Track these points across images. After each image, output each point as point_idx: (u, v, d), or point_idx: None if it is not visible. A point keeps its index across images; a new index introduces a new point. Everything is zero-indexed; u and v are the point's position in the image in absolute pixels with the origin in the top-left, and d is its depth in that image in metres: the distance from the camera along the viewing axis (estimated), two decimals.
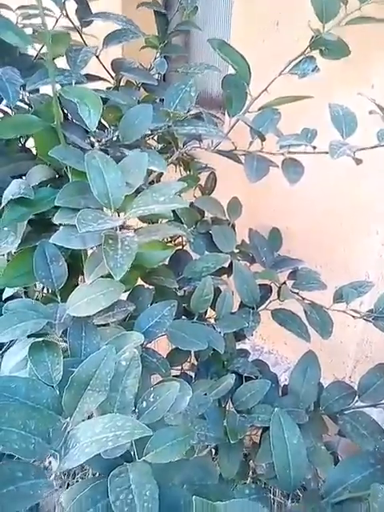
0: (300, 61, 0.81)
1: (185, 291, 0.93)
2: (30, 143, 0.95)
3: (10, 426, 0.37)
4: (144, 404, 0.52)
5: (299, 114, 0.86)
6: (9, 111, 0.90)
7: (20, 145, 0.94)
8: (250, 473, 1.02)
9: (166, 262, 0.90)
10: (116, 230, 0.53)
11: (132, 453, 0.50)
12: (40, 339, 0.49)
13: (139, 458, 0.50)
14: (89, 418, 0.47)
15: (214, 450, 1.10)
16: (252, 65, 0.82)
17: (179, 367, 0.97)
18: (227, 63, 0.82)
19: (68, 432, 0.43)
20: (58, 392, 0.46)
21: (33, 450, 0.37)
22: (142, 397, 0.52)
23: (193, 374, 0.96)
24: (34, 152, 0.88)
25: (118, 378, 0.50)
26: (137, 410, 0.52)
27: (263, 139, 0.76)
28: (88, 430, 0.38)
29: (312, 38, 0.77)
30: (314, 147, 0.72)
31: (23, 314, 0.50)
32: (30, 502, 0.35)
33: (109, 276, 0.57)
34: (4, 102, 0.80)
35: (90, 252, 0.62)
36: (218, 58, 1.36)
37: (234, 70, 0.82)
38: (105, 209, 0.52)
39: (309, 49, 0.80)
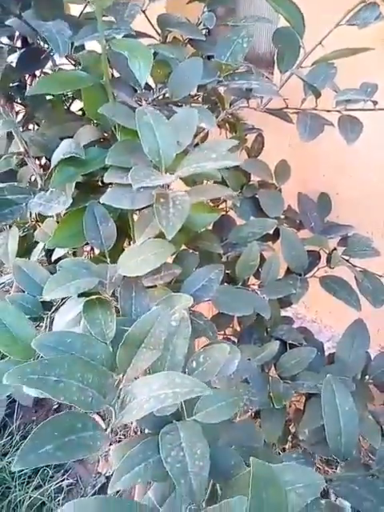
0: (360, 9, 0.75)
1: (228, 257, 0.91)
2: (74, 107, 0.95)
3: (70, 378, 0.37)
4: (194, 364, 0.52)
5: (357, 68, 0.80)
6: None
7: (65, 107, 0.94)
8: (289, 438, 1.03)
9: (210, 227, 0.89)
10: (165, 188, 0.52)
11: (181, 412, 0.51)
12: (94, 297, 0.49)
13: (188, 417, 0.50)
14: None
15: (253, 415, 1.11)
16: (306, 16, 0.76)
17: (221, 332, 0.97)
18: (279, 15, 0.77)
19: (120, 388, 0.44)
20: (111, 349, 0.47)
21: (90, 403, 0.38)
22: (192, 357, 0.52)
23: (235, 340, 0.96)
24: (79, 115, 0.88)
25: (168, 337, 0.50)
26: (186, 370, 0.52)
27: (318, 95, 0.71)
28: (145, 386, 0.38)
29: None
30: (375, 102, 0.67)
31: (76, 272, 0.51)
32: (89, 451, 0.36)
33: (158, 237, 0.57)
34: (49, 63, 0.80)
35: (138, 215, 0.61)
36: (265, 12, 1.29)
37: (287, 21, 0.77)
38: (155, 167, 0.50)
39: None
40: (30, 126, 0.90)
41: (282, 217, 0.98)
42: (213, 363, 0.51)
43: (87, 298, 0.49)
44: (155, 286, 0.64)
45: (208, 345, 0.59)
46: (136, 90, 0.66)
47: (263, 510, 0.35)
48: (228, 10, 1.14)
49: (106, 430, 0.40)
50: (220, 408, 0.51)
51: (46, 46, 0.78)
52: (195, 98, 0.87)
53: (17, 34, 0.78)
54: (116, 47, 0.51)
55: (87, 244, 0.70)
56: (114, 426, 0.40)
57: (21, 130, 0.73)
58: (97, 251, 0.76)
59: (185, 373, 0.52)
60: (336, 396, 0.54)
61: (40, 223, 0.80)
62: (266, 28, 1.39)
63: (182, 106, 0.69)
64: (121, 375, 0.46)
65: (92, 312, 0.48)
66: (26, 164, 0.72)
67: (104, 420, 0.45)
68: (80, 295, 0.56)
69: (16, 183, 0.65)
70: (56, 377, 0.37)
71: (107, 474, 1.43)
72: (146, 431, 0.51)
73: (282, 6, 0.76)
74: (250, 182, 0.96)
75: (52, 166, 0.59)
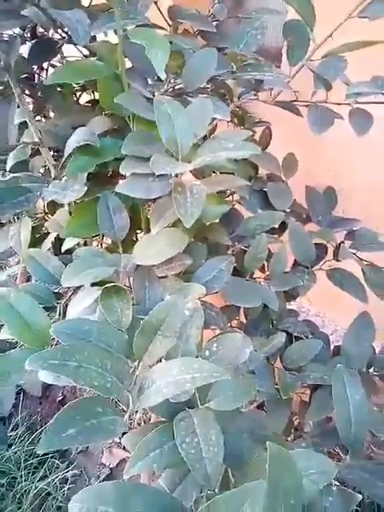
0: (372, 1, 0.75)
1: (233, 250, 0.92)
2: (83, 99, 0.95)
3: (90, 363, 0.38)
4: (207, 353, 0.52)
5: (368, 61, 0.80)
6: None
7: (75, 99, 0.94)
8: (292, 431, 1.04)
9: (217, 220, 0.89)
10: (180, 178, 0.52)
11: (194, 399, 0.51)
12: (111, 284, 0.50)
13: (201, 405, 0.51)
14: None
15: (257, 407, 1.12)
16: (316, 8, 0.76)
17: (228, 324, 0.98)
18: (287, 8, 0.77)
19: (137, 375, 0.45)
20: (126, 336, 0.48)
21: (109, 388, 0.39)
22: (205, 346, 0.52)
23: (241, 332, 0.96)
24: (89, 106, 0.88)
25: (182, 326, 0.50)
26: (199, 358, 0.53)
27: (329, 88, 0.71)
28: (163, 371, 0.39)
29: None
30: None
31: (92, 261, 0.51)
32: (110, 436, 0.36)
33: (172, 227, 0.57)
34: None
35: (152, 205, 0.61)
36: (272, 4, 1.28)
37: (298, 13, 0.77)
38: (172, 157, 0.51)
39: None
40: (38, 118, 0.90)
41: (288, 210, 0.98)
42: (226, 352, 0.52)
43: (104, 286, 0.50)
44: (166, 276, 0.65)
45: (220, 334, 0.60)
46: (147, 81, 0.66)
47: (280, 494, 0.35)
48: (236, 3, 1.13)
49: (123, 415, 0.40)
50: (233, 396, 0.52)
51: (57, 36, 0.78)
52: (204, 89, 0.88)
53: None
54: (133, 37, 0.52)
55: (97, 235, 0.70)
56: (132, 412, 0.40)
57: None
58: (107, 241, 0.76)
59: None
60: (347, 386, 0.54)
61: (49, 214, 0.81)
62: (272, 21, 1.39)
63: (193, 96, 0.69)
64: (137, 362, 0.46)
65: (109, 300, 0.49)
66: (38, 154, 0.72)
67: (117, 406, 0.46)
68: (94, 284, 0.56)
69: (29, 173, 0.65)
70: (76, 362, 0.38)
71: (111, 466, 1.44)
72: (160, 419, 0.52)
73: None
74: (258, 175, 0.96)
75: (66, 155, 0.60)
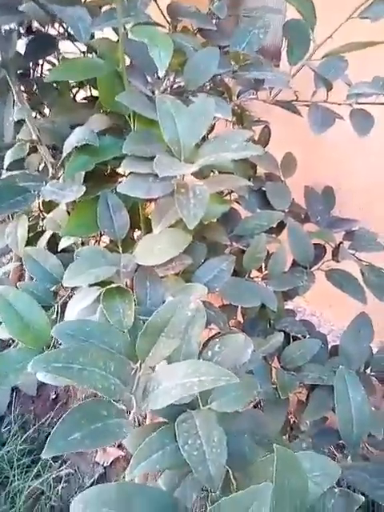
0: (372, 2, 0.75)
1: (231, 249, 0.92)
2: (80, 95, 0.94)
3: (93, 366, 0.37)
4: (209, 354, 0.52)
5: (368, 61, 0.80)
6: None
7: (72, 96, 0.93)
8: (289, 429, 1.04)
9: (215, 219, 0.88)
10: (182, 178, 0.52)
11: (196, 401, 0.51)
12: (114, 285, 0.49)
13: (203, 406, 0.51)
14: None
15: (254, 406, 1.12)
16: (317, 8, 0.76)
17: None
18: (287, 6, 0.77)
19: (139, 376, 0.44)
20: (128, 337, 0.47)
21: (113, 390, 0.38)
22: (207, 346, 0.52)
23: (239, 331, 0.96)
24: (86, 103, 0.87)
25: (185, 327, 0.50)
26: (201, 359, 0.52)
27: (330, 88, 0.71)
28: (170, 374, 0.38)
29: None
30: None
31: (94, 261, 0.51)
32: (115, 439, 0.36)
33: (173, 227, 0.57)
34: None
35: (152, 204, 0.61)
36: (271, 3, 1.28)
37: (299, 12, 0.77)
38: (173, 156, 0.50)
39: None
40: (33, 114, 0.89)
41: (287, 210, 0.98)
42: (228, 353, 0.52)
43: (105, 287, 0.49)
44: (166, 276, 0.64)
45: (222, 334, 0.59)
46: (147, 79, 0.65)
47: (286, 495, 0.35)
48: (235, 1, 1.13)
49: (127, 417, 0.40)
50: (235, 397, 0.51)
51: (54, 32, 0.77)
52: (203, 88, 0.87)
53: None
54: (135, 35, 0.51)
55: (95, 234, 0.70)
56: (136, 414, 0.40)
57: None
58: (104, 240, 0.76)
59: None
60: (348, 387, 0.55)
61: (45, 212, 0.80)
62: (270, 19, 1.39)
63: (193, 95, 0.68)
64: (139, 363, 0.46)
65: (111, 301, 0.48)
66: (34, 152, 0.71)
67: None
68: (92, 284, 0.56)
69: (26, 171, 0.64)
70: (80, 365, 0.37)
71: (105, 464, 1.44)
72: (158, 419, 0.52)
73: None
74: (256, 175, 0.96)
75: (65, 154, 0.59)
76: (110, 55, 0.57)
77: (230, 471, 0.49)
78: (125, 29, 0.57)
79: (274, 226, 0.91)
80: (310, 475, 0.43)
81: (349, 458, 0.55)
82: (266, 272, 0.89)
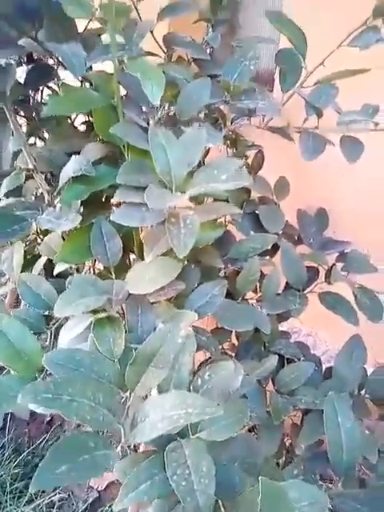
0: (362, 31, 0.77)
1: (225, 272, 0.92)
2: (78, 121, 0.96)
3: (82, 397, 0.38)
4: (199, 381, 0.52)
5: (358, 88, 0.82)
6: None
7: (70, 122, 0.95)
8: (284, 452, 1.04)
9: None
10: (174, 207, 0.53)
11: (186, 429, 0.51)
12: (104, 315, 0.50)
13: (193, 435, 0.51)
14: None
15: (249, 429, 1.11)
16: (308, 37, 0.78)
17: (219, 346, 0.97)
18: (283, 35, 0.79)
19: (128, 406, 0.45)
20: (118, 366, 0.47)
21: (102, 422, 0.38)
22: (197, 374, 0.52)
23: (233, 354, 0.96)
24: (84, 131, 0.89)
25: (175, 355, 0.50)
26: (191, 387, 0.53)
27: (321, 115, 0.73)
28: (157, 406, 0.39)
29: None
30: (376, 123, 0.69)
31: (84, 290, 0.51)
32: (102, 471, 0.36)
33: (165, 255, 0.58)
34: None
35: (144, 231, 0.62)
36: (265, 31, 1.31)
37: (291, 42, 0.79)
38: (165, 186, 0.51)
39: (371, 18, 0.75)
40: (32, 139, 0.91)
41: (280, 232, 0.99)
42: (218, 381, 0.52)
43: (96, 315, 0.50)
44: (158, 301, 0.65)
45: (212, 361, 0.60)
46: (142, 109, 0.67)
47: None
48: (230, 30, 1.16)
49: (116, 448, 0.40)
50: (225, 426, 0.51)
51: (52, 61, 0.80)
52: (198, 114, 0.89)
53: None
54: (129, 69, 0.53)
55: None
56: (124, 445, 0.40)
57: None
58: (99, 265, 0.76)
59: (190, 390, 0.53)
60: (338, 414, 0.55)
61: (40, 236, 0.81)
62: (264, 45, 1.42)
63: (187, 125, 0.70)
64: (128, 393, 0.46)
65: (101, 329, 0.49)
66: (31, 178, 0.73)
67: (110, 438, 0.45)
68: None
69: (23, 199, 0.65)
70: (69, 396, 0.38)
71: (99, 489, 1.42)
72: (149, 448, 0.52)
73: (286, 27, 0.79)
74: (250, 198, 0.97)
75: (61, 183, 0.60)
76: (105, 87, 0.59)
77: (219, 501, 0.49)
78: (120, 62, 0.59)
79: (269, 247, 0.92)
80: (298, 505, 0.43)
81: (339, 484, 0.55)
82: (260, 294, 0.90)
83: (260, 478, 0.36)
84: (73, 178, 0.58)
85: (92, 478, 0.39)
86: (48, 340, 0.67)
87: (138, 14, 0.74)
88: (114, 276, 0.62)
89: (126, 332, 0.54)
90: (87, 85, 0.76)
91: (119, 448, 0.40)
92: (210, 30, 0.88)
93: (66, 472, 0.34)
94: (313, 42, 0.78)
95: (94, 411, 0.38)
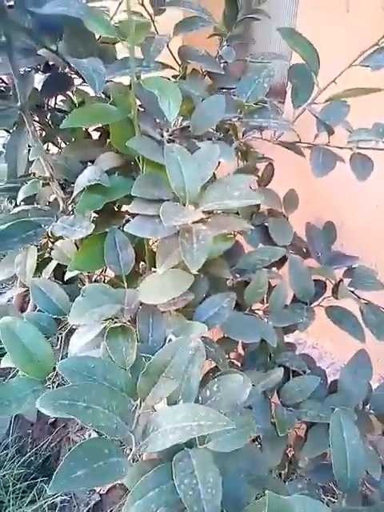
0: (373, 51, 0.79)
1: (233, 283, 0.93)
2: (91, 127, 0.98)
3: (97, 404, 0.39)
4: (208, 393, 0.53)
5: (369, 107, 0.84)
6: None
7: (84, 129, 0.96)
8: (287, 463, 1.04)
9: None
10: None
11: (193, 439, 0.52)
12: (118, 324, 0.51)
13: (200, 445, 0.52)
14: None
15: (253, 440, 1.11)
16: (320, 55, 0.80)
17: (226, 356, 0.98)
18: (295, 52, 0.81)
19: (138, 415, 0.45)
20: (130, 375, 0.48)
21: (115, 429, 0.39)
22: (205, 386, 0.53)
23: (239, 364, 0.97)
24: (97, 137, 0.90)
25: (185, 367, 0.51)
26: (200, 399, 0.53)
27: (331, 132, 0.74)
28: (169, 416, 0.40)
29: None
30: None
31: (98, 299, 0.53)
32: (115, 477, 0.37)
33: (177, 266, 0.59)
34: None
35: (156, 242, 0.63)
36: (278, 46, 1.33)
37: (303, 59, 0.80)
38: (178, 201, 0.53)
39: (383, 39, 0.77)
40: (45, 145, 0.92)
41: (288, 245, 1.00)
42: (226, 393, 0.53)
43: (110, 324, 0.51)
44: (168, 311, 0.66)
45: (220, 373, 0.60)
46: (157, 121, 0.68)
47: None
48: (243, 45, 1.18)
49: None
50: (232, 437, 0.52)
51: (68, 70, 0.81)
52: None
53: None
54: (146, 85, 0.54)
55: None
56: (136, 453, 0.41)
57: None
58: (109, 272, 0.78)
59: (198, 401, 0.54)
60: (344, 430, 0.55)
61: (51, 240, 0.82)
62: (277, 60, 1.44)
63: (200, 139, 0.71)
64: (139, 401, 0.47)
65: (114, 338, 0.50)
66: (46, 184, 0.74)
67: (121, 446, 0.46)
68: None
69: (38, 205, 0.67)
70: (85, 403, 0.39)
71: (101, 492, 1.42)
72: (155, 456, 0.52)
73: (299, 44, 0.80)
74: (259, 211, 0.98)
75: (76, 192, 0.61)
76: (123, 101, 0.61)
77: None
78: (137, 78, 0.60)
79: (276, 260, 0.93)
80: None
81: (343, 500, 0.55)
82: (267, 305, 0.90)
83: (267, 492, 0.37)
84: (87, 187, 0.59)
85: (105, 484, 0.40)
86: (58, 344, 0.68)
87: (155, 28, 0.76)
88: (125, 285, 0.63)
89: (137, 342, 0.55)
90: (103, 96, 0.77)
91: (131, 456, 0.41)
92: (225, 44, 0.89)
93: (83, 477, 0.35)
94: (325, 58, 0.80)
95: (108, 419, 0.39)
